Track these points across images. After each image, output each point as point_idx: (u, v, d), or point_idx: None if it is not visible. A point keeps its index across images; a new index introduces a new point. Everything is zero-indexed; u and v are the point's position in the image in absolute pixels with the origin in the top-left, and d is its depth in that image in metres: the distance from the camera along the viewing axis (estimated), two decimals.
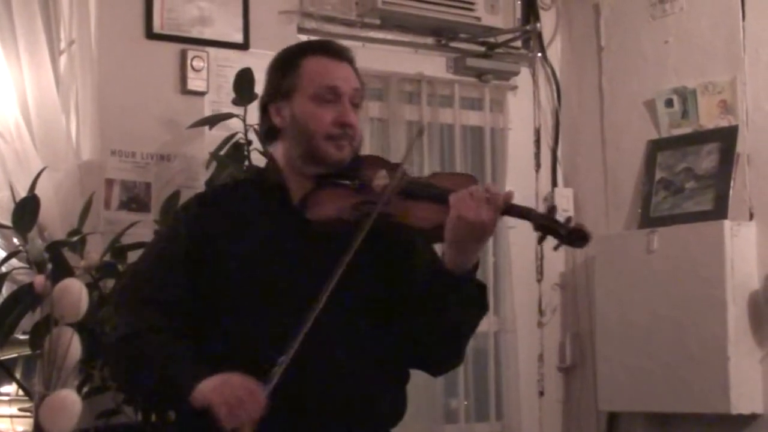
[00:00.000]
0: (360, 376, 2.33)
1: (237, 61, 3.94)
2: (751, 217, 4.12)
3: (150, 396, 2.40)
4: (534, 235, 2.36)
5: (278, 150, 2.46)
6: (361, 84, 2.47)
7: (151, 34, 3.88)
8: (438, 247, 2.39)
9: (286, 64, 2.45)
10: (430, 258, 2.42)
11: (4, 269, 3.34)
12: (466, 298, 2.31)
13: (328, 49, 2.47)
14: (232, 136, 3.70)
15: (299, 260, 2.34)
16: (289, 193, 2.42)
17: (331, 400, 2.29)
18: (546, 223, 2.25)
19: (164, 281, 2.38)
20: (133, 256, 3.48)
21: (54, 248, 3.28)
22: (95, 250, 3.40)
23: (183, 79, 3.92)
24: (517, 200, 2.32)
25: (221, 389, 2.16)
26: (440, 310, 2.30)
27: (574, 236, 2.25)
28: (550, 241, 2.28)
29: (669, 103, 4.38)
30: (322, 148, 2.38)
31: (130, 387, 2.48)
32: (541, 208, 2.30)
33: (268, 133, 2.48)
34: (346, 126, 2.39)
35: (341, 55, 2.46)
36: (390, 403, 2.42)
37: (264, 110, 2.47)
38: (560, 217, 2.27)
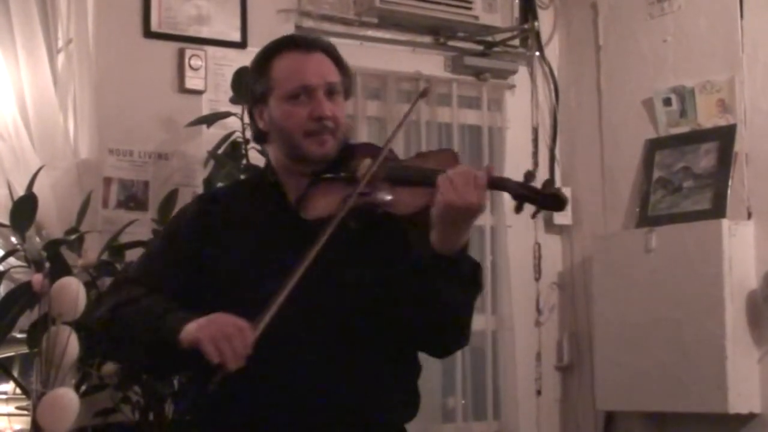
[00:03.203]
0: (365, 372, 2.31)
1: (235, 59, 3.94)
2: (749, 216, 4.12)
3: (144, 356, 2.30)
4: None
5: (270, 151, 2.46)
6: (343, 69, 2.41)
7: (148, 33, 3.88)
8: None
9: (258, 67, 2.43)
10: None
11: (2, 267, 3.34)
12: (459, 278, 2.26)
13: (295, 44, 2.42)
14: (230, 134, 3.70)
15: (296, 261, 2.23)
16: (286, 193, 2.40)
17: (336, 399, 2.27)
18: (522, 192, 2.21)
19: (160, 276, 2.37)
20: (130, 255, 3.47)
21: (52, 247, 3.28)
22: (93, 249, 3.40)
23: (181, 77, 3.92)
24: None
25: (207, 326, 2.14)
26: (433, 293, 2.24)
27: (549, 201, 2.21)
28: (528, 209, 2.23)
29: (667, 101, 4.38)
30: (303, 146, 2.35)
31: (124, 356, 2.48)
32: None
33: (257, 136, 2.48)
34: (323, 119, 2.34)
35: (310, 46, 2.40)
36: (401, 397, 2.39)
37: (251, 115, 2.47)
38: (538, 182, 2.22)
